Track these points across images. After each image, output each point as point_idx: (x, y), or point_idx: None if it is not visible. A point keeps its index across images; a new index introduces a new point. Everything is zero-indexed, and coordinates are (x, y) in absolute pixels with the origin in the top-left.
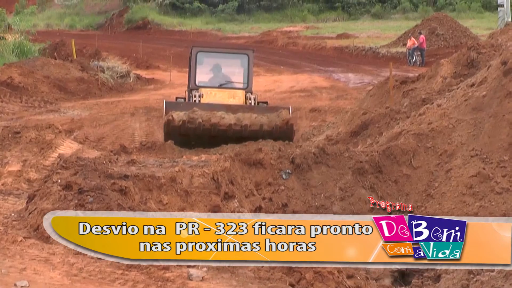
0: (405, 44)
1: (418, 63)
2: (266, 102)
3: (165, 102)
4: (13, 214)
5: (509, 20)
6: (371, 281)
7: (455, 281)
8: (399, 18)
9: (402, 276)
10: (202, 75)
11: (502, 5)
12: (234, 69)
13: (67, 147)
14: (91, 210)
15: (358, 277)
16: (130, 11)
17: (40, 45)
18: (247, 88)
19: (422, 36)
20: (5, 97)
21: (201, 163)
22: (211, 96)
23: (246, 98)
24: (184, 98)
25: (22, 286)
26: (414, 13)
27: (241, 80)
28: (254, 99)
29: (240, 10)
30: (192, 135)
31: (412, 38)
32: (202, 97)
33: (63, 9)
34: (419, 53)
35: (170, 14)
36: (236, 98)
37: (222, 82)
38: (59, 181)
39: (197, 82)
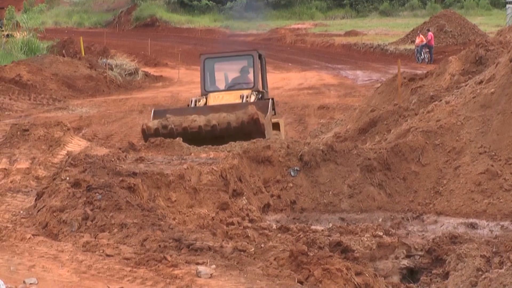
0: (413, 41)
1: (427, 60)
2: (272, 99)
3: (153, 111)
4: (21, 212)
5: None
6: (380, 278)
7: (463, 278)
8: (407, 15)
9: (411, 273)
10: (213, 80)
11: (510, 2)
12: (241, 70)
13: (76, 144)
14: (100, 207)
15: (367, 274)
16: (138, 9)
17: (48, 42)
18: (254, 87)
19: (430, 33)
20: (14, 95)
21: (209, 160)
22: (218, 99)
23: (241, 97)
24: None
25: (31, 283)
26: (422, 10)
27: (248, 80)
28: (255, 97)
29: (248, 8)
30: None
31: (421, 35)
32: (200, 101)
33: (71, 6)
34: (427, 50)
35: (178, 12)
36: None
37: (229, 85)
38: (67, 178)
39: (206, 88)
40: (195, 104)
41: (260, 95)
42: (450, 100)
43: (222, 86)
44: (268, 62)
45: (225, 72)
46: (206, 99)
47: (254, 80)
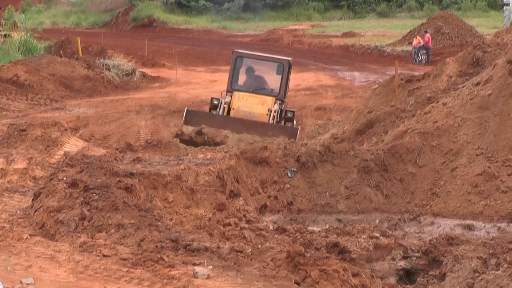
0: (410, 43)
1: (424, 61)
2: (293, 111)
3: (186, 110)
4: (18, 212)
5: None
6: (377, 279)
7: (460, 280)
8: (405, 17)
9: (408, 274)
10: (240, 78)
11: (507, 4)
12: (269, 75)
13: (73, 145)
14: (97, 208)
15: (364, 276)
16: (136, 9)
17: (46, 43)
18: (278, 96)
19: (427, 34)
20: (11, 95)
21: (206, 161)
22: (242, 101)
23: (268, 111)
24: (218, 99)
25: (27, 284)
26: (419, 12)
27: (274, 87)
28: (279, 110)
29: (245, 8)
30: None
31: (418, 37)
32: (230, 103)
33: (69, 7)
34: (424, 51)
35: (176, 12)
36: (265, 105)
37: (255, 87)
38: (64, 178)
39: (233, 86)
40: (224, 107)
41: (283, 105)
42: (447, 102)
43: (247, 86)
44: None
45: (253, 73)
46: (231, 97)
47: (280, 89)
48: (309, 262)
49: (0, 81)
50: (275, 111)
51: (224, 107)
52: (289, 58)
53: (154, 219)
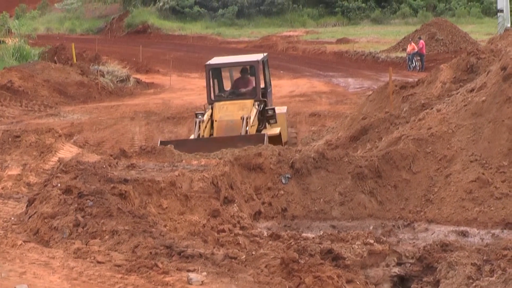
0: (404, 49)
1: (418, 68)
2: (273, 109)
3: (159, 142)
4: (13, 218)
5: (509, 25)
6: (371, 285)
7: (454, 286)
8: (399, 23)
9: (402, 280)
10: (217, 88)
11: (501, 11)
12: (244, 79)
13: (67, 151)
14: (91, 214)
15: (358, 282)
16: (130, 15)
17: (40, 49)
18: (256, 97)
19: (421, 41)
20: (5, 101)
21: (200, 167)
22: (222, 110)
23: (242, 120)
24: (203, 113)
25: None
26: (413, 18)
27: (251, 89)
28: (257, 112)
29: (240, 15)
30: None
31: (412, 43)
32: (206, 112)
33: (63, 13)
34: (418, 58)
35: (170, 19)
36: (245, 109)
37: (233, 94)
38: (59, 185)
39: (212, 97)
40: (202, 120)
41: (262, 105)
42: (441, 108)
43: (225, 95)
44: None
45: (230, 79)
46: (212, 109)
47: (256, 90)
48: (303, 269)
49: None
50: (247, 118)
51: (199, 125)
52: (259, 58)
53: (148, 226)
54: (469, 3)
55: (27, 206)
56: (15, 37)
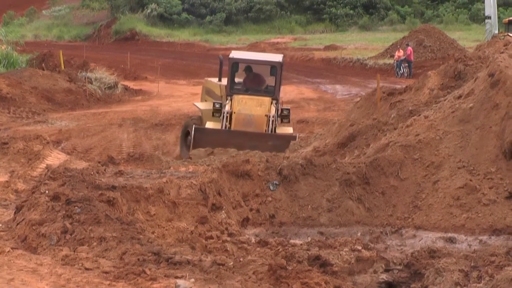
0: (392, 56)
1: (406, 74)
2: (288, 109)
3: (194, 128)
4: (0, 225)
5: (496, 32)
6: None
7: None
8: (387, 30)
9: (389, 287)
10: (237, 82)
11: (489, 17)
12: (264, 76)
13: (55, 158)
14: (79, 221)
15: None
16: (118, 22)
17: (28, 56)
18: (274, 96)
19: (409, 47)
20: None
21: (188, 174)
22: (241, 104)
23: (267, 117)
24: (220, 103)
25: None
26: (401, 25)
27: (270, 88)
28: (275, 111)
29: (227, 22)
30: None
31: (400, 50)
32: (231, 107)
33: (51, 20)
34: (406, 64)
35: (158, 25)
36: (263, 106)
37: (252, 89)
38: (46, 192)
39: (232, 90)
40: (227, 116)
41: (278, 105)
42: (429, 115)
43: (246, 88)
44: None
45: (250, 75)
46: (231, 100)
47: (275, 89)
48: (291, 275)
49: None
50: (272, 116)
51: (226, 116)
52: (281, 59)
53: (136, 232)
54: (457, 10)
55: (15, 213)
56: (3, 44)
